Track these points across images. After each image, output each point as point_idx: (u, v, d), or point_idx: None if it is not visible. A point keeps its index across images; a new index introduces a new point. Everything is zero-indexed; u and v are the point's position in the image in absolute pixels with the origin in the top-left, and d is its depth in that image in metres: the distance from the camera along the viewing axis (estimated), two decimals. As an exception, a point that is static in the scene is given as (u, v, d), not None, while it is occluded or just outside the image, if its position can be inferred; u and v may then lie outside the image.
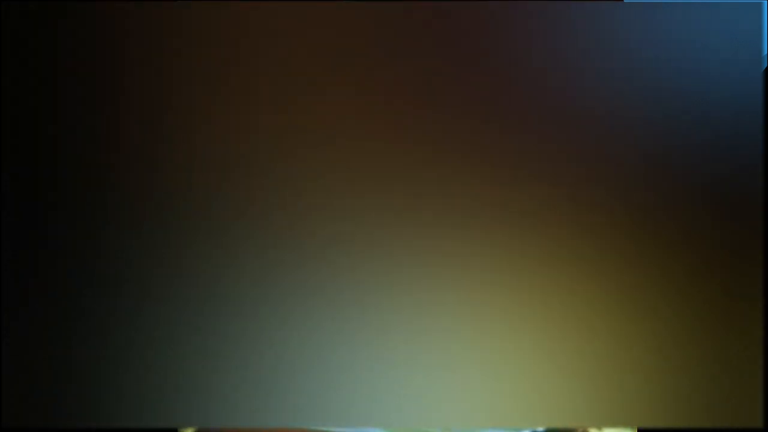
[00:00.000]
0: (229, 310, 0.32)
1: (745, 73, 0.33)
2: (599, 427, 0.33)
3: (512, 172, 0.32)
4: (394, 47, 0.33)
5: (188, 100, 0.32)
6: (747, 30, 0.33)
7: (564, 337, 0.32)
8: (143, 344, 0.32)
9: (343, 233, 0.32)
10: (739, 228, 0.32)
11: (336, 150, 0.32)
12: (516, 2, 0.33)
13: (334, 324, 0.32)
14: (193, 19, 0.33)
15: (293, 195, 0.32)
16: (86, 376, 0.32)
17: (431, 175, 0.32)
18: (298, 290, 0.32)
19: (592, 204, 0.32)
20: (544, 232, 0.32)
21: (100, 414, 0.32)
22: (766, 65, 0.33)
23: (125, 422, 0.32)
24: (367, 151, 0.32)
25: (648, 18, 0.33)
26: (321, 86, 0.33)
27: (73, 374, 0.32)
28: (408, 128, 0.32)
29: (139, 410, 0.32)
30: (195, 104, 0.32)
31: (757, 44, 0.33)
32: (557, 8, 0.33)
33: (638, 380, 0.32)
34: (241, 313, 0.32)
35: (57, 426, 0.32)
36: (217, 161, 0.32)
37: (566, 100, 0.32)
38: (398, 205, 0.32)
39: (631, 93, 0.32)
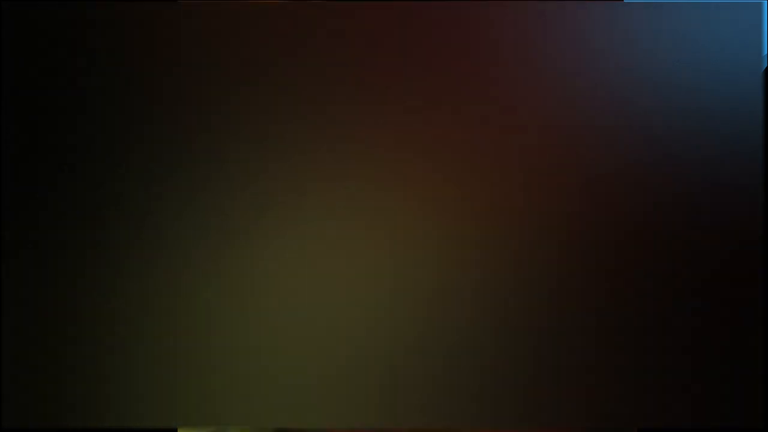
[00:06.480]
0: (230, 309, 0.32)
1: (745, 73, 0.33)
2: (599, 427, 0.33)
3: (510, 172, 0.32)
4: (392, 48, 0.33)
5: (186, 100, 0.32)
6: (747, 30, 0.33)
7: (563, 336, 0.32)
8: (143, 345, 0.32)
9: (341, 234, 0.32)
10: (739, 227, 0.32)
11: (336, 149, 0.32)
12: (516, 2, 0.33)
13: (334, 325, 0.32)
14: (192, 20, 0.33)
15: (292, 198, 0.32)
16: (86, 377, 0.32)
17: (428, 175, 0.32)
18: (300, 291, 0.32)
19: (592, 203, 0.32)
20: (543, 233, 0.32)
21: (101, 414, 0.32)
22: (766, 65, 0.33)
23: (125, 422, 0.32)
24: (366, 151, 0.32)
25: (648, 18, 0.33)
26: (319, 86, 0.33)
27: (73, 374, 0.32)
28: (406, 128, 0.32)
29: (140, 410, 0.32)
30: (194, 103, 0.32)
31: (757, 44, 0.33)
32: (557, 8, 0.33)
33: (637, 380, 0.32)
34: (242, 313, 0.32)
35: (57, 426, 0.32)
36: (217, 164, 0.32)
37: (566, 100, 0.32)
38: (391, 207, 0.32)
39: (631, 93, 0.32)
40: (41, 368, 0.32)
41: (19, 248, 0.32)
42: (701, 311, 0.32)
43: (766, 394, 0.33)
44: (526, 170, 0.32)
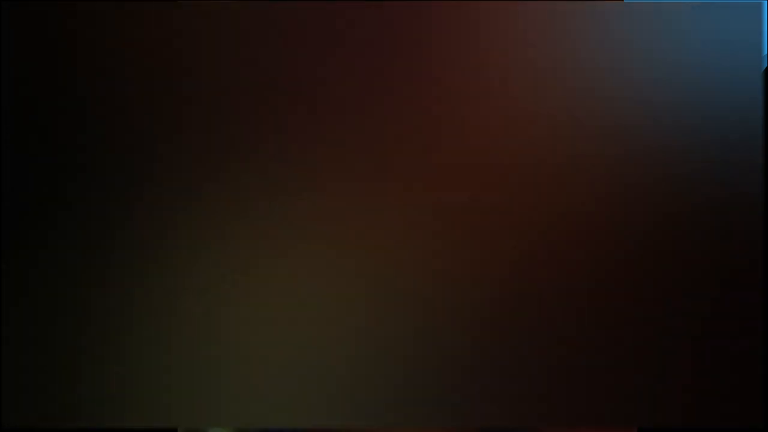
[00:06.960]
0: (230, 310, 0.32)
1: (745, 73, 0.33)
2: (599, 427, 0.33)
3: (507, 173, 0.32)
4: (392, 47, 0.33)
5: (185, 100, 0.32)
6: (747, 30, 0.33)
7: (563, 336, 0.32)
8: (144, 344, 0.32)
9: (339, 233, 0.32)
10: (738, 228, 0.32)
11: (335, 149, 0.32)
12: (516, 2, 0.33)
13: (333, 326, 0.32)
14: (191, 20, 0.33)
15: (292, 198, 0.32)
16: (87, 377, 0.32)
17: (427, 175, 0.32)
18: (299, 292, 0.32)
19: (591, 204, 0.32)
20: (541, 234, 0.32)
21: (101, 414, 0.32)
22: (766, 65, 0.33)
23: (125, 422, 0.32)
24: (366, 150, 0.32)
25: (648, 18, 0.33)
26: (319, 86, 0.33)
27: (73, 374, 0.32)
28: (406, 127, 0.32)
29: (140, 410, 0.32)
30: (193, 104, 0.32)
31: (757, 44, 0.33)
32: (557, 8, 0.33)
33: (638, 380, 0.32)
34: (242, 314, 0.32)
35: (57, 426, 0.32)
36: (217, 164, 0.32)
37: (565, 101, 0.32)
38: (389, 206, 0.32)
39: (630, 93, 0.32)
40: (41, 368, 0.32)
41: (19, 248, 0.32)
42: (701, 311, 0.32)
43: (766, 394, 0.33)
44: (523, 171, 0.32)
